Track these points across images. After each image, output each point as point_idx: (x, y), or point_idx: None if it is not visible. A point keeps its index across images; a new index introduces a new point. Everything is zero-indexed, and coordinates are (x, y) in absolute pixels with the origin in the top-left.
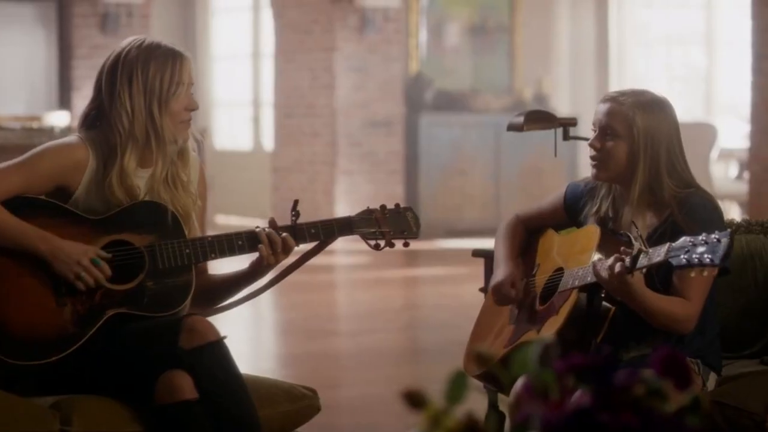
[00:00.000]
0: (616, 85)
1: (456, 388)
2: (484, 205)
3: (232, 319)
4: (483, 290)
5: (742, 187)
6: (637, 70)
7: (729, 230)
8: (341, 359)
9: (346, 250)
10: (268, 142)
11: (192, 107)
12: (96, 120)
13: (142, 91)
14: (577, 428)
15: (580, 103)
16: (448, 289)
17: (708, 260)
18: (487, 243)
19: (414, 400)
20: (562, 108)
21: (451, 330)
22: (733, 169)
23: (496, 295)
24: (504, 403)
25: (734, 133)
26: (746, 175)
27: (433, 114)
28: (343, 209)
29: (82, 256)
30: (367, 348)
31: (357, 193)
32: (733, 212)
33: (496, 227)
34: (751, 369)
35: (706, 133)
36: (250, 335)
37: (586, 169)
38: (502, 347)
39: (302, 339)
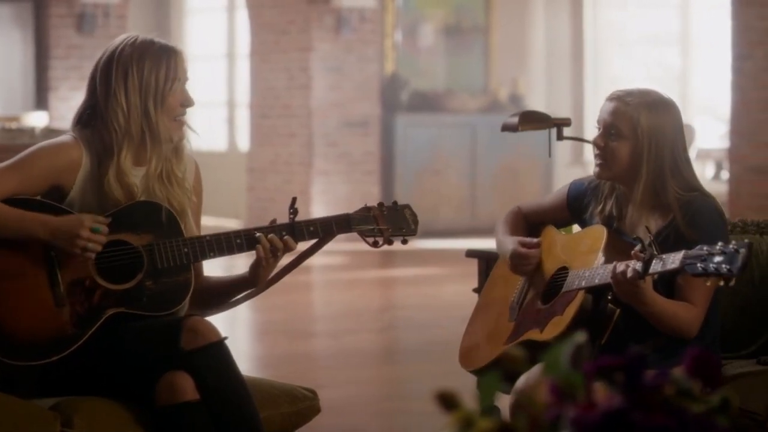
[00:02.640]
0: (591, 86)
1: (487, 389)
2: (460, 206)
3: (210, 320)
4: (476, 291)
5: (719, 187)
6: (612, 71)
7: (748, 241)
8: (321, 360)
9: (323, 250)
10: (244, 143)
11: (188, 103)
12: (90, 119)
13: (138, 88)
14: (610, 428)
15: (555, 104)
16: (425, 289)
17: (726, 270)
18: (464, 243)
19: (447, 401)
20: (537, 108)
21: (430, 330)
22: (710, 170)
23: (515, 259)
24: (498, 398)
25: (710, 134)
26: (723, 175)
27: (409, 114)
28: (319, 210)
29: (80, 229)
30: (347, 349)
31: (333, 193)
32: None
33: (472, 227)
34: (750, 369)
35: (684, 133)
36: (229, 337)
37: (563, 170)
38: (502, 344)
39: (281, 340)
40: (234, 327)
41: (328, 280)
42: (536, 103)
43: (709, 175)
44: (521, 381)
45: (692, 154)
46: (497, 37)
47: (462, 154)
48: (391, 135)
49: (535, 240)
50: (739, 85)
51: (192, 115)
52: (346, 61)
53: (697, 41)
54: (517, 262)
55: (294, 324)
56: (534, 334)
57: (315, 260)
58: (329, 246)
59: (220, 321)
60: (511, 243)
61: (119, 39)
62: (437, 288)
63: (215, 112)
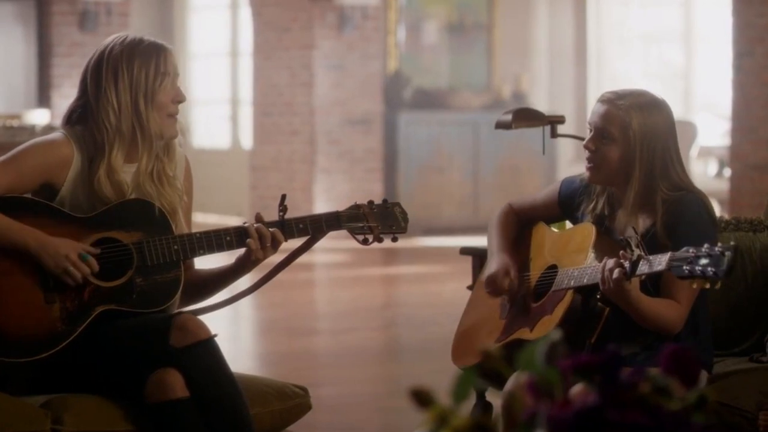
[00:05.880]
0: (594, 83)
1: (462, 386)
2: (463, 203)
3: (211, 317)
4: (471, 288)
5: (722, 185)
6: (615, 68)
7: (734, 244)
8: (322, 357)
9: (325, 248)
10: (246, 140)
11: (179, 99)
12: (81, 118)
13: (128, 86)
14: (584, 426)
15: (558, 101)
16: (427, 286)
17: (711, 273)
18: (466, 241)
19: (421, 398)
20: (540, 105)
21: (432, 328)
22: (713, 167)
23: (490, 286)
24: (491, 393)
25: (713, 131)
26: (726, 172)
27: (412, 112)
28: (321, 207)
29: (69, 251)
30: (348, 346)
31: (335, 191)
32: None
33: (475, 225)
34: (742, 366)
35: (686, 131)
36: (230, 334)
37: (565, 168)
38: (492, 342)
39: (283, 337)
40: (236, 324)
41: (330, 277)
42: (539, 100)
43: (712, 172)
44: (511, 382)
45: (694, 151)
46: (500, 35)
47: (464, 152)
48: (394, 132)
49: (515, 277)
50: (739, 83)
51: (195, 113)
52: (349, 59)
53: (699, 38)
54: (492, 289)
55: (295, 321)
56: (524, 333)
57: (317, 258)
58: (331, 243)
59: (223, 318)
60: (495, 264)
61: (109, 39)
62: (439, 285)
63: (218, 110)
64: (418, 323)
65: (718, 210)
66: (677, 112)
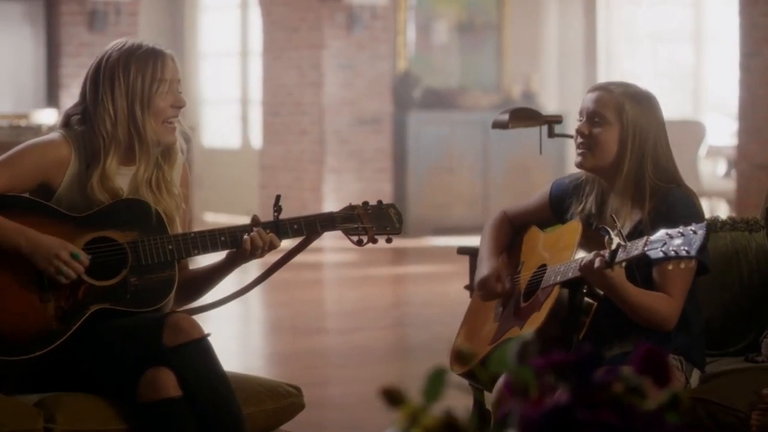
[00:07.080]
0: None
1: (434, 385)
2: (472, 203)
3: (219, 317)
4: (468, 288)
5: (730, 185)
6: (625, 68)
7: (705, 222)
8: (329, 357)
9: (333, 247)
10: (256, 140)
11: (178, 104)
12: (79, 124)
13: (125, 93)
14: (555, 425)
15: (568, 101)
16: (435, 286)
17: (684, 252)
18: (474, 241)
19: (392, 397)
20: (550, 105)
21: (439, 327)
22: (721, 167)
23: (482, 290)
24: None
25: (722, 131)
26: (734, 172)
27: (421, 112)
28: (330, 207)
29: (61, 250)
30: (355, 346)
31: (345, 191)
32: (721, 210)
33: (484, 225)
34: (736, 366)
35: (695, 130)
36: (238, 333)
37: (572, 166)
38: (487, 345)
39: (290, 337)
40: (244, 323)
41: (338, 276)
42: (549, 100)
43: (721, 172)
44: (500, 381)
45: (703, 151)
46: (510, 35)
47: (474, 152)
48: (404, 132)
49: (507, 280)
50: (747, 83)
51: (205, 113)
52: (358, 59)
53: (709, 38)
54: (484, 293)
55: (303, 321)
56: (514, 332)
57: (325, 257)
58: (339, 243)
59: (231, 317)
60: (486, 269)
61: (109, 45)
62: (446, 285)
63: (228, 110)
64: (426, 323)
65: (725, 210)
66: (686, 112)
